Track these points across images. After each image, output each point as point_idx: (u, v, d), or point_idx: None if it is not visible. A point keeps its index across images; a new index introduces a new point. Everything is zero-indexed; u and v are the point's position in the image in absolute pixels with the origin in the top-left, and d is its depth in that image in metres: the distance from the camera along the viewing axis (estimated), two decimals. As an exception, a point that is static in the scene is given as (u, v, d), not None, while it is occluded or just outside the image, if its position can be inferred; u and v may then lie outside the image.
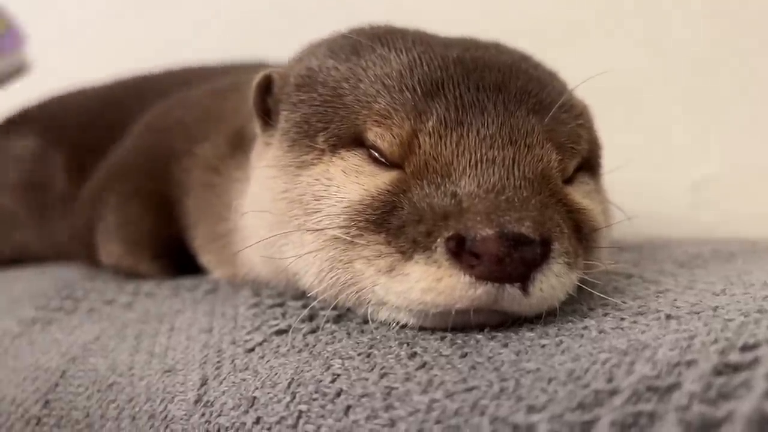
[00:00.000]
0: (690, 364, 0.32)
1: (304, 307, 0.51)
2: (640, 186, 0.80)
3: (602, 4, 1.02)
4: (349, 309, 0.47)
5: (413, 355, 0.40)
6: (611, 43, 1.01)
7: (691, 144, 0.97)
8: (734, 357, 0.32)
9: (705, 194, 0.95)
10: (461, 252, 0.39)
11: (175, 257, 0.68)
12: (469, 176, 0.41)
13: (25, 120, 0.96)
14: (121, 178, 0.73)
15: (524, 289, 0.39)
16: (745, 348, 0.33)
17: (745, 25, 0.92)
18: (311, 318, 0.48)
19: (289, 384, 0.40)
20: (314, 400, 0.38)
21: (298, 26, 1.17)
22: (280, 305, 0.52)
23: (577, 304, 0.44)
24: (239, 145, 0.61)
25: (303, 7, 1.17)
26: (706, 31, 0.94)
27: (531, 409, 0.32)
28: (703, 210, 0.95)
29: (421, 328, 0.43)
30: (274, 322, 0.49)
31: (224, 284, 0.62)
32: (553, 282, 0.40)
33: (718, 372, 0.31)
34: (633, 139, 0.94)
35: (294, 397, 0.39)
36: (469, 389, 0.35)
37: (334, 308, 0.47)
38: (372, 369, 0.39)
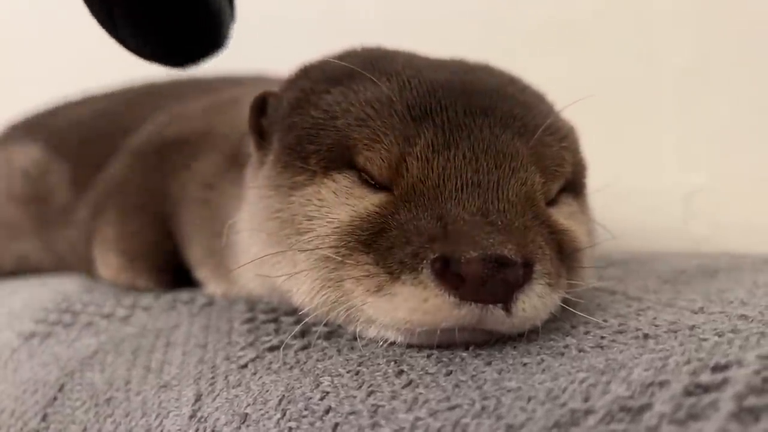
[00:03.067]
0: (662, 384, 0.33)
1: (297, 322, 0.52)
2: (629, 198, 0.81)
3: (590, 10, 1.03)
4: (340, 325, 0.49)
5: (400, 372, 0.41)
6: (599, 51, 1.02)
7: (681, 155, 0.97)
8: (705, 377, 0.33)
9: (696, 206, 0.96)
10: (446, 273, 0.40)
11: (172, 271, 0.70)
12: (454, 199, 0.43)
13: (28, 129, 0.97)
14: (120, 191, 0.75)
15: (507, 309, 0.41)
16: (716, 368, 0.34)
17: (737, 34, 0.92)
18: (303, 334, 0.49)
19: (280, 401, 0.41)
20: (303, 417, 0.39)
21: (294, 36, 1.19)
22: (274, 321, 0.54)
23: (560, 323, 0.45)
24: (235, 162, 0.63)
25: (300, 15, 1.19)
26: (696, 39, 0.95)
27: (510, 428, 0.33)
28: (693, 222, 0.96)
29: (409, 346, 0.44)
30: (266, 338, 0.50)
31: (220, 298, 0.63)
32: (535, 302, 0.42)
33: (688, 392, 0.32)
34: (622, 150, 0.95)
35: (284, 414, 0.40)
36: (452, 407, 0.36)
37: (326, 324, 0.48)
38: (360, 386, 0.41)
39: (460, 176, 0.43)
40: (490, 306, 0.40)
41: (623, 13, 1.01)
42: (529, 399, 0.35)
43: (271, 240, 0.50)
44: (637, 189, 0.92)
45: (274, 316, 0.54)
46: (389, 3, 1.17)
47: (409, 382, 0.40)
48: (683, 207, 0.96)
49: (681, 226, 0.96)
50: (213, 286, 0.65)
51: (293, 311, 0.53)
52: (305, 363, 0.45)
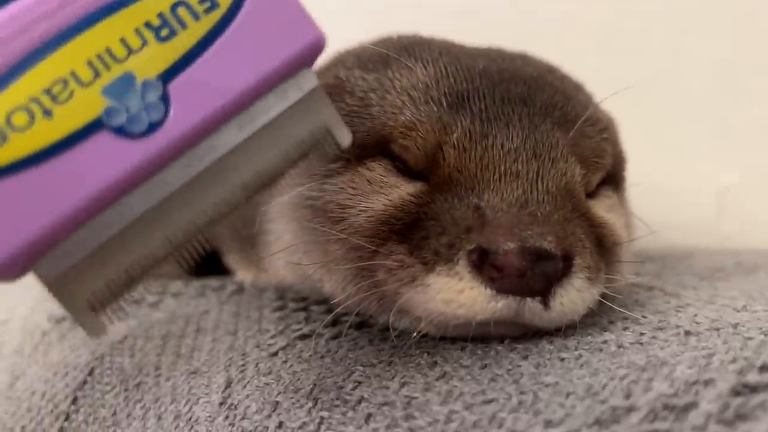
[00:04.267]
0: (708, 383, 0.32)
1: (328, 311, 0.52)
2: (661, 194, 0.80)
3: (622, 6, 1.01)
4: (371, 315, 0.48)
5: (434, 364, 0.41)
6: (629, 46, 1.00)
7: (713, 151, 0.96)
8: (752, 377, 0.32)
9: (728, 203, 0.94)
10: (483, 265, 0.39)
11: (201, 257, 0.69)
12: (492, 189, 0.42)
13: None
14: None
15: (545, 303, 0.40)
16: (764, 368, 0.33)
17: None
18: (334, 323, 0.49)
19: (312, 390, 0.41)
20: (335, 407, 0.39)
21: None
22: (304, 309, 0.53)
23: (597, 318, 0.44)
24: None
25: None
26: (730, 33, 0.93)
27: (548, 424, 0.33)
28: (726, 219, 0.94)
29: (442, 337, 0.43)
30: (297, 327, 0.50)
31: (249, 286, 0.63)
32: (573, 296, 0.41)
33: (735, 392, 0.31)
34: (653, 145, 0.94)
35: (316, 403, 0.40)
36: (488, 401, 0.35)
37: (357, 314, 0.48)
38: (393, 377, 0.40)
39: (499, 166, 0.43)
40: (528, 299, 0.39)
41: (654, 6, 0.99)
42: (568, 395, 0.35)
43: (303, 228, 0.49)
44: (669, 185, 0.90)
45: (304, 305, 0.54)
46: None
47: (443, 374, 0.39)
48: (715, 204, 0.95)
49: (713, 222, 0.94)
50: (242, 273, 0.65)
51: (323, 300, 0.53)
52: (336, 352, 0.45)
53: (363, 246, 0.44)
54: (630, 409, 0.32)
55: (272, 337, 0.49)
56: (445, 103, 0.45)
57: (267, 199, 0.53)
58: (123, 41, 0.27)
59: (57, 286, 0.27)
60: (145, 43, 0.27)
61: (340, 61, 0.54)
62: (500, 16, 1.07)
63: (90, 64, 0.26)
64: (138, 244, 0.28)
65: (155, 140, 0.27)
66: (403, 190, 0.45)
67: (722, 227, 0.93)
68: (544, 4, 1.06)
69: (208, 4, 0.28)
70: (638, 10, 0.99)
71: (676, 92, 0.96)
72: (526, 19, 1.06)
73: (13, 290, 0.71)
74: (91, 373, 0.52)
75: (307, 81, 0.31)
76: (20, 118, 0.25)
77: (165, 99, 0.27)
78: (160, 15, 0.28)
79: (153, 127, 0.27)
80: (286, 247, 0.51)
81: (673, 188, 0.91)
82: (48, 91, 0.25)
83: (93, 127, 0.26)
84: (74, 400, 0.51)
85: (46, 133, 0.25)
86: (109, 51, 0.27)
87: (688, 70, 0.96)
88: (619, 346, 0.40)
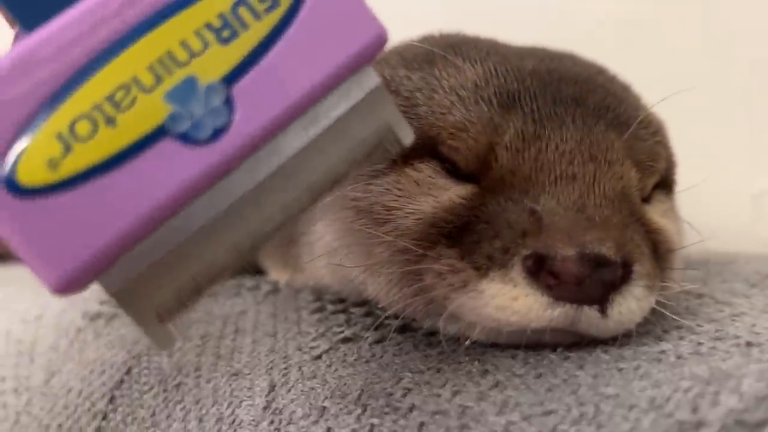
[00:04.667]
0: (780, 398, 0.31)
1: (367, 314, 0.51)
2: (696, 198, 0.78)
3: (657, 5, 0.99)
4: (413, 319, 0.47)
5: (485, 372, 0.40)
6: (662, 45, 0.98)
7: (750, 154, 0.94)
8: (827, 393, 0.31)
9: (764, 207, 0.93)
10: (539, 271, 0.38)
11: None
12: (548, 193, 0.41)
13: None
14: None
15: (602, 311, 0.39)
16: (837, 384, 0.32)
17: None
18: (375, 326, 0.48)
19: (360, 396, 0.40)
20: (386, 414, 0.38)
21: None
22: (343, 311, 0.52)
23: (650, 326, 0.43)
24: None
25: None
26: (764, 35, 0.91)
27: (614, 438, 0.32)
28: (763, 223, 0.92)
29: (491, 344, 0.42)
30: (338, 329, 0.49)
31: (284, 285, 0.62)
32: (632, 305, 0.39)
33: (810, 409, 0.30)
34: (687, 148, 0.92)
35: (365, 410, 0.39)
36: (547, 413, 0.34)
37: (398, 317, 0.47)
38: (444, 385, 0.39)
39: (554, 168, 0.41)
40: (585, 307, 0.38)
41: (692, 4, 0.97)
42: (631, 407, 0.33)
43: (346, 229, 0.48)
44: (704, 190, 0.88)
45: (342, 307, 0.53)
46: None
47: (497, 384, 0.38)
48: (751, 208, 0.93)
49: (748, 226, 0.92)
50: (277, 273, 0.64)
51: (362, 302, 0.52)
52: (381, 357, 0.44)
53: (410, 249, 0.43)
54: (699, 425, 0.31)
55: (313, 339, 0.48)
56: (495, 103, 0.44)
57: None
58: (184, 44, 0.26)
59: (124, 297, 0.26)
60: (206, 45, 0.26)
61: (384, 59, 0.53)
62: (529, 17, 1.06)
63: (151, 68, 0.25)
64: (205, 252, 0.27)
65: (221, 146, 0.26)
66: (453, 192, 0.44)
67: (759, 231, 0.91)
68: (573, 5, 1.05)
69: (268, 3, 0.27)
70: (673, 6, 0.98)
71: (709, 92, 0.95)
72: (564, 19, 1.04)
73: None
74: (128, 372, 0.52)
75: (369, 78, 0.30)
76: (84, 127, 0.24)
77: (229, 103, 0.26)
78: (221, 15, 0.26)
79: (218, 133, 0.26)
80: (327, 249, 0.50)
81: (707, 192, 0.89)
82: (110, 98, 0.25)
83: (157, 134, 0.25)
84: (111, 399, 0.51)
85: (110, 142, 0.25)
86: (170, 54, 0.26)
87: (722, 68, 0.94)
88: (678, 357, 0.39)
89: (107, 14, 0.25)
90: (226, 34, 0.26)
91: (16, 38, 0.29)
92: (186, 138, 0.25)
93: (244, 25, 0.27)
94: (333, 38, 0.28)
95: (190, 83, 0.26)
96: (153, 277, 0.26)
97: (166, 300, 0.27)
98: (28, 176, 0.24)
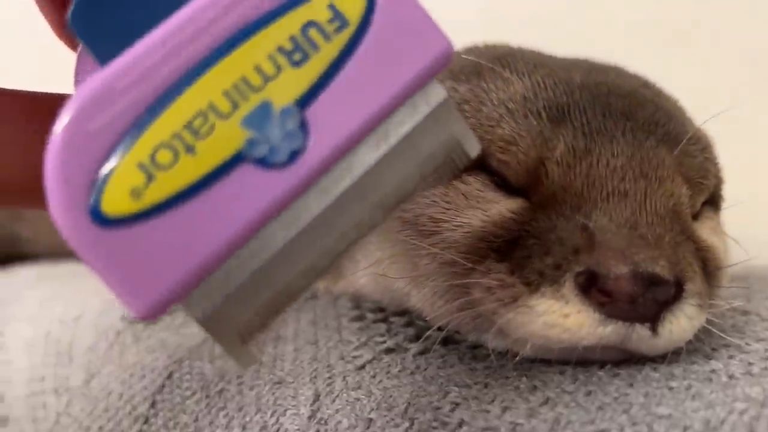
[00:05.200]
0: (841, 425, 0.31)
1: (408, 324, 0.51)
2: (741, 213, 0.78)
3: (699, 10, 0.98)
4: (456, 331, 0.47)
5: (534, 388, 0.39)
6: (699, 52, 0.97)
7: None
8: None
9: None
10: (591, 288, 0.38)
11: None
12: (600, 209, 0.40)
13: None
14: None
15: (654, 330, 0.38)
16: None
17: None
18: (417, 337, 0.48)
19: (406, 409, 0.40)
20: (434, 428, 0.38)
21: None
22: (383, 320, 0.52)
23: (698, 343, 0.43)
24: None
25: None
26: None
27: (671, 461, 0.31)
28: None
29: (539, 359, 0.42)
30: (380, 339, 0.49)
31: (322, 292, 0.62)
32: (683, 324, 0.39)
33: None
34: (733, 163, 0.91)
35: (412, 424, 0.39)
36: (600, 432, 0.34)
37: (441, 329, 0.47)
38: (492, 401, 0.39)
39: (606, 184, 0.41)
40: (637, 325, 0.38)
41: (735, 8, 0.96)
42: (685, 429, 0.33)
43: (391, 240, 0.48)
44: (748, 204, 0.87)
45: (382, 316, 0.53)
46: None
47: (546, 400, 0.38)
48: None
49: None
50: (314, 280, 0.64)
51: (402, 312, 0.52)
52: (426, 369, 0.44)
53: (458, 262, 0.43)
54: (758, 450, 0.31)
55: (356, 348, 0.48)
56: (545, 117, 0.44)
57: None
58: (258, 69, 0.26)
59: (208, 322, 0.26)
60: (279, 69, 0.26)
61: (429, 69, 0.53)
62: (561, 21, 1.06)
63: (227, 94, 0.25)
64: (283, 273, 0.27)
65: (297, 169, 0.26)
66: (503, 206, 0.44)
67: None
68: (608, 8, 1.04)
69: (337, 23, 0.27)
70: (716, 10, 0.97)
71: (746, 100, 0.94)
72: (590, 24, 1.04)
73: (83, 286, 0.72)
74: (170, 376, 0.52)
75: (436, 92, 0.30)
76: (164, 156, 0.25)
77: (303, 126, 0.26)
78: (292, 38, 0.26)
79: (294, 155, 0.26)
80: (371, 259, 0.50)
81: (750, 207, 0.88)
82: (189, 126, 0.25)
83: (235, 161, 0.25)
84: (153, 404, 0.51)
85: (191, 170, 0.25)
86: (245, 80, 0.26)
87: (760, 75, 0.93)
88: (730, 377, 0.38)
89: (182, 42, 0.25)
90: (297, 57, 0.27)
91: (80, 61, 0.30)
92: (264, 163, 0.26)
93: (315, 47, 0.27)
94: (401, 54, 0.28)
95: (265, 108, 0.26)
96: (235, 300, 0.26)
97: (247, 321, 0.27)
98: (112, 206, 0.24)
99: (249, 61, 0.26)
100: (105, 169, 0.24)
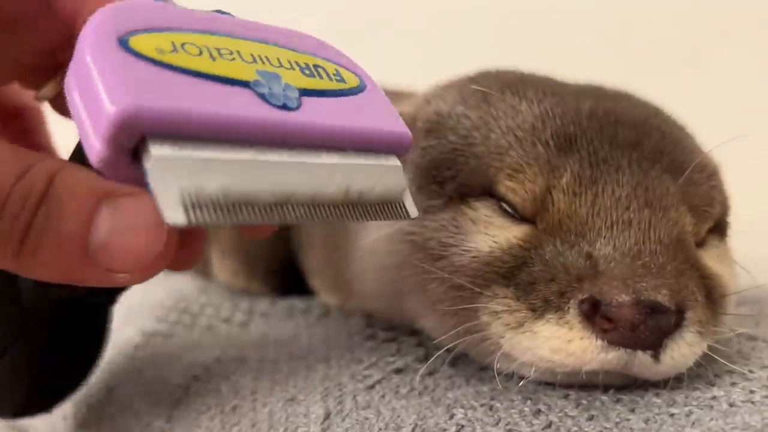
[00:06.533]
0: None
1: (418, 344, 0.52)
2: (748, 238, 0.78)
3: (722, 24, 0.98)
4: (464, 353, 0.48)
5: (538, 412, 0.40)
6: (719, 69, 0.98)
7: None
8: None
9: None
10: (594, 315, 0.39)
11: (285, 276, 0.71)
12: (604, 238, 0.41)
13: None
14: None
15: (655, 357, 0.39)
16: None
17: None
18: (426, 357, 0.49)
19: (413, 429, 0.41)
20: (440, 449, 0.39)
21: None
22: (394, 340, 0.54)
23: (701, 369, 0.44)
24: None
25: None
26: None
27: (667, 488, 0.32)
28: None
29: (544, 383, 0.43)
30: (390, 359, 0.50)
31: (335, 309, 0.63)
32: (684, 350, 0.40)
33: None
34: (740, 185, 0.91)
35: (419, 444, 0.40)
36: (600, 457, 0.35)
37: (449, 350, 0.48)
38: (497, 423, 0.40)
39: (610, 214, 0.42)
40: (639, 352, 0.39)
41: (749, 28, 0.97)
42: (684, 456, 0.34)
43: (400, 263, 0.49)
44: (757, 228, 0.87)
45: (393, 335, 0.54)
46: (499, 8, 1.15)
47: (549, 424, 0.39)
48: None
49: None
50: (325, 296, 0.66)
51: (413, 331, 0.53)
52: (433, 390, 0.45)
53: (465, 287, 0.44)
54: (754, 479, 0.31)
55: (366, 368, 0.50)
56: (553, 146, 0.45)
57: (364, 233, 0.54)
58: (278, 59, 0.36)
59: (160, 163, 0.29)
60: (292, 67, 0.36)
61: (440, 95, 0.54)
62: (578, 41, 1.07)
63: (252, 56, 0.34)
64: (248, 180, 0.31)
65: (284, 115, 0.33)
66: (510, 232, 0.45)
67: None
68: (626, 29, 1.05)
69: (338, 77, 0.38)
70: (738, 24, 0.97)
71: (758, 120, 0.94)
72: (609, 44, 1.04)
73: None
74: (186, 392, 0.54)
75: (393, 161, 0.39)
76: (192, 49, 0.32)
77: (298, 100, 0.34)
78: (306, 64, 0.37)
79: (285, 107, 0.33)
80: (382, 279, 0.51)
81: (759, 232, 0.88)
82: (217, 48, 0.33)
83: (243, 83, 0.33)
84: (168, 418, 0.53)
85: (209, 66, 0.32)
86: (267, 57, 0.35)
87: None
88: (731, 405, 0.39)
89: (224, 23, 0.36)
90: (307, 72, 0.36)
91: None
92: (262, 96, 0.33)
93: (320, 75, 0.37)
94: (376, 116, 0.38)
95: (276, 76, 0.34)
96: (194, 169, 0.30)
97: (196, 194, 0.30)
98: (137, 45, 0.30)
99: (275, 53, 0.36)
100: (144, 28, 0.31)
